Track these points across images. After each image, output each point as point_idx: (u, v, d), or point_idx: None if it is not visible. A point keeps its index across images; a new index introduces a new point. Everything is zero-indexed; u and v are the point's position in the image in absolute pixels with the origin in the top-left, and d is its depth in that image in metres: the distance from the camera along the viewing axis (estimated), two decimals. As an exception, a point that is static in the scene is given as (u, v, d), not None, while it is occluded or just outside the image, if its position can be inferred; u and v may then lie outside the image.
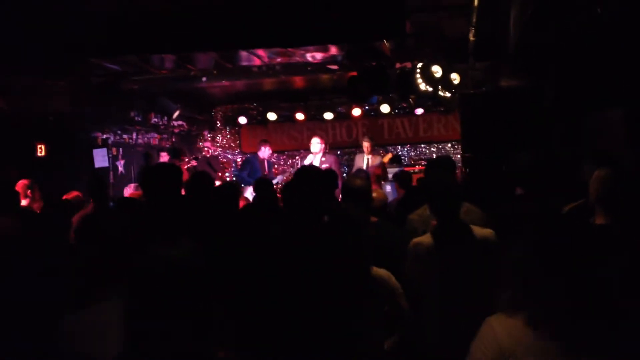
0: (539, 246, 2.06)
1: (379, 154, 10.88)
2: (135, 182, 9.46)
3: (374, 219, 4.35)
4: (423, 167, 11.60)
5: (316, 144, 10.36)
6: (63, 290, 2.70)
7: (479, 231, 3.71)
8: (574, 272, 1.98)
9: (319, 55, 8.79)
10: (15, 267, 3.23)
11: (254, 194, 5.96)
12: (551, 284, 1.99)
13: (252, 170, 10.51)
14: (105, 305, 2.37)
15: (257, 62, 9.14)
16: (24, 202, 6.34)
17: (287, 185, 3.26)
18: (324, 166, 9.79)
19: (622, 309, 2.00)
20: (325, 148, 10.55)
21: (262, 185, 5.69)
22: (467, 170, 8.11)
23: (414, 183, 7.98)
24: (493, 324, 2.09)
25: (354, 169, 10.66)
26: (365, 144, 10.66)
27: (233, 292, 2.86)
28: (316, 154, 10.33)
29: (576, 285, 1.97)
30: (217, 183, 9.79)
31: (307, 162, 10.30)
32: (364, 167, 10.38)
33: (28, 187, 6.56)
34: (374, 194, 4.88)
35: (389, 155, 11.24)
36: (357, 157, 10.94)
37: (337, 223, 3.25)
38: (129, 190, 8.55)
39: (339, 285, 3.00)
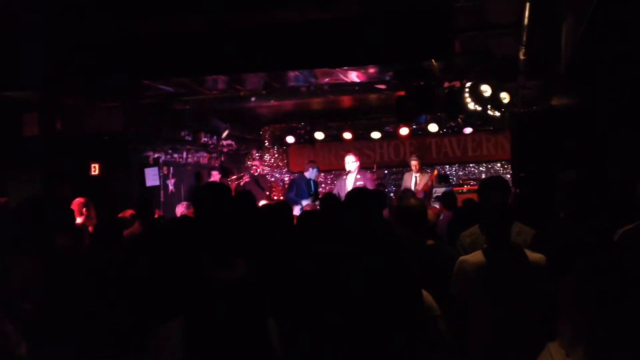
0: (596, 280, 1.98)
1: (427, 172, 10.83)
2: (185, 201, 9.59)
3: (430, 241, 4.30)
4: (471, 187, 11.51)
5: (351, 162, 10.37)
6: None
7: (530, 254, 3.66)
8: (634, 308, 1.90)
9: (366, 75, 8.81)
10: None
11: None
12: (607, 321, 1.91)
13: (298, 191, 10.55)
14: (169, 326, 2.39)
15: (303, 82, 9.23)
16: (79, 220, 6.50)
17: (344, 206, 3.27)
18: (359, 183, 9.81)
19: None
20: (359, 166, 10.53)
21: (330, 201, 5.66)
22: (519, 190, 7.99)
23: (459, 204, 7.90)
24: (553, 353, 2.02)
25: (402, 187, 10.62)
26: (414, 162, 10.62)
27: (287, 312, 2.87)
28: (351, 173, 10.32)
29: (636, 323, 1.89)
30: (264, 202, 9.90)
31: (345, 182, 10.32)
32: (412, 186, 10.34)
33: (84, 205, 6.73)
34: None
35: (435, 173, 11.16)
36: (406, 176, 10.91)
37: (392, 244, 3.23)
38: (180, 209, 8.67)
39: (395, 309, 2.97)
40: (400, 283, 3.06)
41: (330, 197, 6.05)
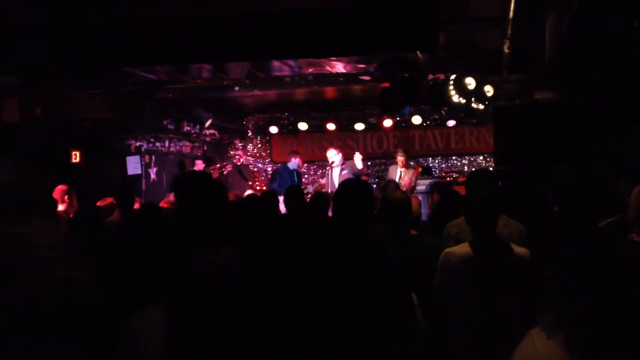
0: (578, 267, 2.02)
1: (412, 168, 10.87)
2: (170, 191, 9.55)
3: (413, 232, 4.33)
4: (454, 179, 11.57)
5: (334, 156, 10.44)
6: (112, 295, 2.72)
7: (515, 249, 3.69)
8: (613, 295, 1.94)
9: (351, 66, 8.80)
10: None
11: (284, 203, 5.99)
12: (589, 307, 1.95)
13: (281, 181, 10.55)
14: (149, 311, 2.38)
15: (289, 71, 9.21)
16: (60, 208, 6.45)
17: (337, 196, 3.25)
18: (344, 172, 9.89)
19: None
20: (343, 158, 10.61)
21: (294, 194, 5.70)
22: (501, 183, 8.03)
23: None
24: (534, 338, 2.06)
25: (387, 179, 10.65)
26: (400, 158, 10.62)
27: (273, 298, 2.87)
28: (335, 164, 10.42)
29: (615, 309, 1.93)
30: (248, 191, 9.88)
31: (330, 174, 10.44)
32: (397, 180, 10.37)
33: (65, 192, 6.67)
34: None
35: (419, 170, 11.20)
36: (391, 169, 10.93)
37: (378, 237, 3.25)
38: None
39: (379, 298, 2.98)
40: (385, 276, 3.07)
41: (320, 195, 6.09)
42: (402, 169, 10.56)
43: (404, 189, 9.74)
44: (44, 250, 2.20)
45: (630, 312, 1.95)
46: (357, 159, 10.50)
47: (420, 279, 3.38)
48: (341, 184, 3.33)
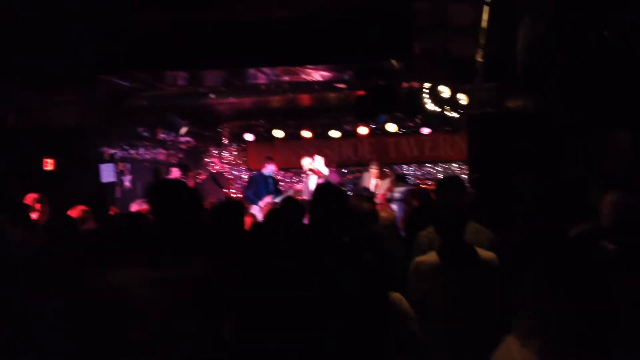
0: (553, 275, 2.05)
1: (386, 176, 10.90)
2: (141, 198, 9.46)
3: None
4: (428, 187, 11.63)
5: (309, 164, 10.45)
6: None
7: (483, 253, 3.72)
8: (585, 302, 1.97)
9: (326, 74, 8.83)
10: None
11: (259, 212, 5.96)
12: (564, 314, 1.98)
13: (257, 189, 10.51)
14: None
15: (264, 79, 9.21)
16: (33, 216, 6.35)
17: (313, 204, 3.25)
18: (320, 180, 9.90)
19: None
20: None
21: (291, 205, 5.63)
22: (474, 190, 8.10)
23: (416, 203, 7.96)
24: (511, 345, 2.08)
25: (360, 186, 10.68)
26: (374, 170, 10.64)
27: (245, 309, 2.85)
28: (311, 172, 10.42)
29: (587, 315, 1.96)
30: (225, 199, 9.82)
31: (307, 181, 10.42)
32: (372, 187, 10.40)
33: (37, 200, 6.57)
34: (384, 213, 4.89)
35: (392, 179, 11.23)
36: (365, 176, 10.94)
37: (363, 244, 3.26)
38: (135, 206, 8.55)
39: (359, 308, 2.99)
40: (371, 283, 3.09)
41: (291, 200, 6.04)
42: (377, 180, 10.60)
43: (379, 201, 9.78)
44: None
45: (604, 320, 1.97)
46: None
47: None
48: (315, 192, 3.32)
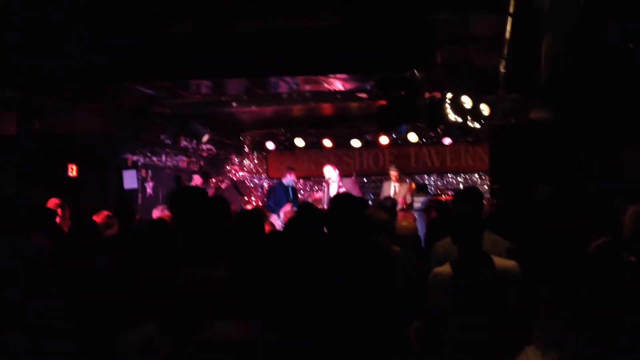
0: (573, 288, 2.04)
1: (406, 182, 10.89)
2: (163, 204, 9.54)
3: (396, 248, 4.36)
4: (449, 197, 11.59)
5: (330, 172, 10.42)
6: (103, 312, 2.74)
7: (502, 262, 3.68)
8: (607, 315, 1.96)
9: (348, 84, 8.86)
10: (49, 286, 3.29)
11: (280, 221, 5.98)
12: (583, 327, 1.97)
13: (277, 198, 10.55)
14: (145, 327, 2.38)
15: (286, 88, 9.26)
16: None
17: (328, 212, 3.28)
18: (342, 190, 9.86)
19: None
20: (340, 174, 10.59)
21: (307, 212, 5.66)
22: (495, 201, 8.07)
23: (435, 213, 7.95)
24: (529, 356, 2.07)
25: (382, 196, 10.66)
26: (393, 173, 10.68)
27: (264, 314, 2.88)
28: (331, 180, 10.40)
29: (607, 329, 1.95)
30: (247, 207, 9.88)
31: (327, 190, 10.42)
32: (392, 195, 10.39)
33: (59, 206, 6.64)
34: (404, 223, 4.88)
35: (413, 186, 11.23)
36: (385, 185, 10.96)
37: (375, 255, 3.28)
38: (157, 212, 8.62)
39: (367, 311, 3.00)
40: (379, 293, 3.09)
41: (307, 206, 6.06)
42: (396, 184, 10.59)
43: (400, 206, 9.76)
44: None
45: (623, 333, 1.97)
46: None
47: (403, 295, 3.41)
48: (332, 200, 3.33)
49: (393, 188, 10.60)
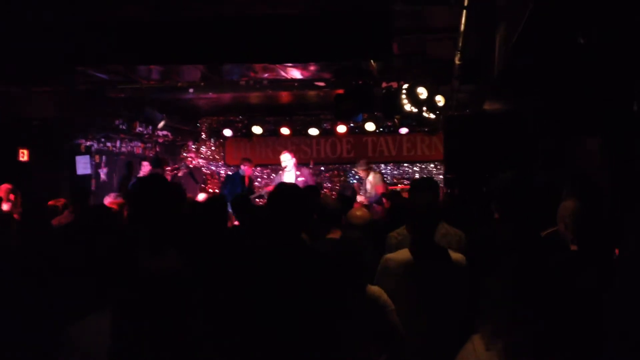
0: (516, 278, 2.09)
1: (376, 170, 10.97)
2: (116, 192, 9.40)
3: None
4: (405, 187, 11.74)
5: (287, 160, 10.34)
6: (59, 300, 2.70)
7: (452, 255, 3.79)
8: (550, 304, 2.01)
9: (306, 72, 8.86)
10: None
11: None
12: (527, 317, 2.02)
13: (232, 187, 10.52)
14: (98, 315, 2.37)
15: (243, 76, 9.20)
16: (5, 207, 6.31)
17: (270, 204, 3.27)
18: (300, 179, 9.86)
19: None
20: (296, 162, 10.53)
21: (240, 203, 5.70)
22: (449, 191, 8.20)
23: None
24: (475, 344, 2.12)
25: (362, 192, 10.72)
26: (360, 171, 10.81)
27: (218, 304, 2.88)
28: (287, 169, 10.33)
29: (552, 317, 2.00)
30: (202, 194, 9.82)
31: (282, 178, 10.32)
32: (369, 189, 10.48)
33: (10, 191, 6.52)
34: (359, 212, 4.93)
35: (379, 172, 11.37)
36: (364, 182, 11.01)
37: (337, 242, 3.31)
38: (108, 199, 8.51)
39: (328, 303, 3.04)
40: (342, 277, 3.15)
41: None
42: (369, 177, 10.68)
43: (381, 192, 9.91)
44: None
45: (566, 322, 2.03)
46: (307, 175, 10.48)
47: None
48: (272, 192, 3.32)
49: (368, 182, 10.68)
